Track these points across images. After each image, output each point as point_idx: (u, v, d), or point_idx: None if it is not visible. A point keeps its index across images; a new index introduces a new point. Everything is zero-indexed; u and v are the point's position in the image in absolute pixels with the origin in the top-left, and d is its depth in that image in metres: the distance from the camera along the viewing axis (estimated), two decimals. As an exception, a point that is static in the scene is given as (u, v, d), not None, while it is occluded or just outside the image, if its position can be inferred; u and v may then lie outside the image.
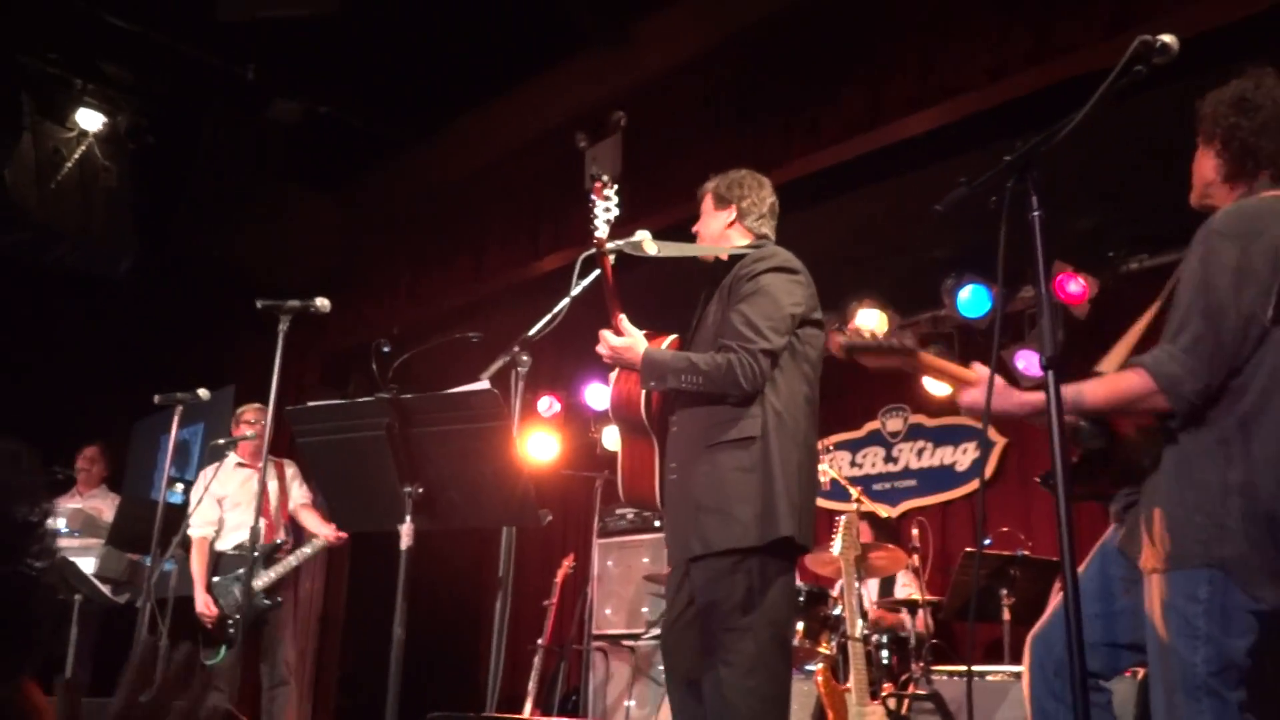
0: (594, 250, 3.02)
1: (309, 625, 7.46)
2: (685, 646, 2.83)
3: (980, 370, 2.22)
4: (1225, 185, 2.27)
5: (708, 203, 3.23)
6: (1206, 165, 2.30)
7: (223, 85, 6.17)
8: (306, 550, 5.21)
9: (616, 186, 3.15)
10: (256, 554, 4.76)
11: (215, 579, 5.28)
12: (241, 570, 5.04)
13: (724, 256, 3.09)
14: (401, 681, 2.47)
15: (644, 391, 2.92)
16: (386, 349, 2.58)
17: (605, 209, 3.10)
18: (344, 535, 5.19)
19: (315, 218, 7.55)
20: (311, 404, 2.51)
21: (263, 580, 5.07)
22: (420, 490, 2.47)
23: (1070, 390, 2.00)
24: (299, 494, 5.53)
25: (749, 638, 2.68)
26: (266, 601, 5.12)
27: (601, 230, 3.02)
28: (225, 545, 5.33)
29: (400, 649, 2.43)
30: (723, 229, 3.17)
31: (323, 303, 3.78)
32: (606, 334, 2.96)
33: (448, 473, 2.48)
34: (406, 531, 2.47)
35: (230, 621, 5.15)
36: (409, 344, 3.81)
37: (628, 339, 2.93)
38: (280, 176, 6.88)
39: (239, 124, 6.47)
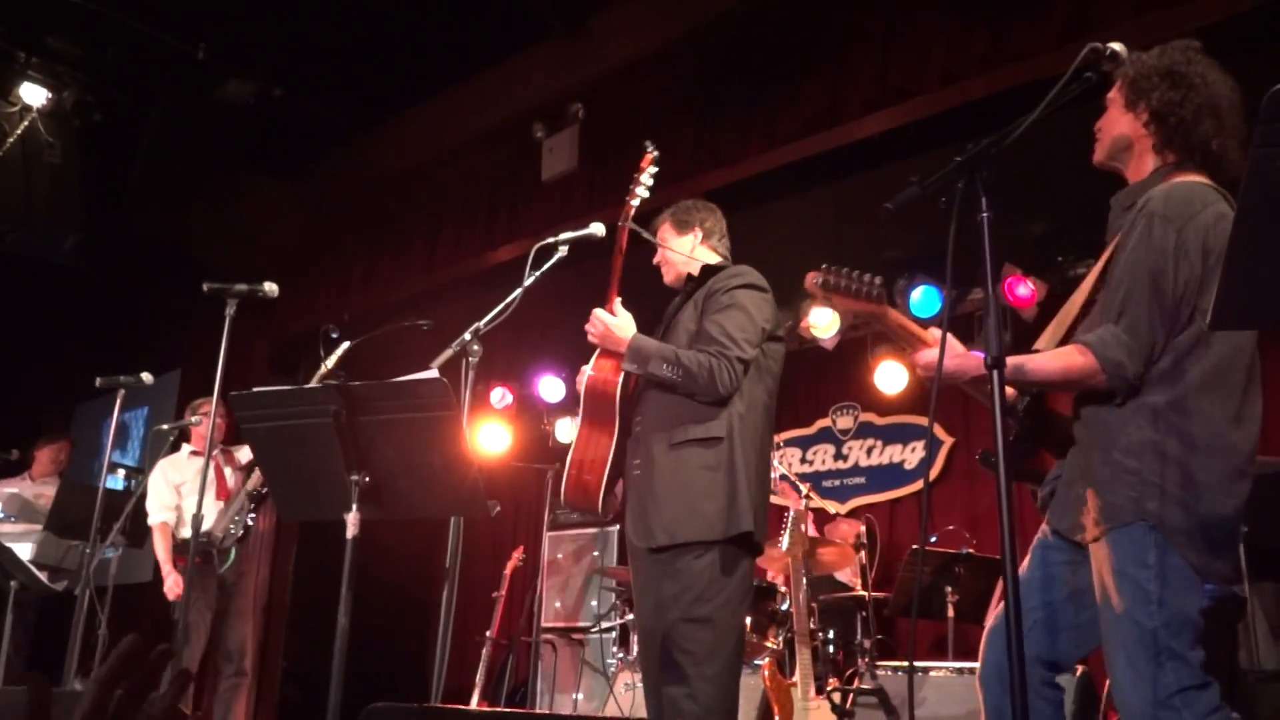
0: (620, 222, 3.12)
1: (254, 615, 7.36)
2: (657, 639, 2.88)
3: (935, 334, 2.24)
4: (1144, 155, 2.29)
5: (665, 231, 3.32)
6: (1124, 126, 2.30)
7: (174, 63, 6.05)
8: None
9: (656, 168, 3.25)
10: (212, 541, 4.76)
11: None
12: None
13: (695, 271, 3.20)
14: (346, 672, 2.45)
15: (623, 376, 3.00)
16: (335, 335, 2.55)
17: (646, 183, 3.24)
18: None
19: (267, 202, 7.44)
20: (256, 389, 2.47)
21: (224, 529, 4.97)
22: (367, 479, 2.45)
23: (1014, 361, 2.03)
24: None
25: (708, 628, 2.78)
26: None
27: (635, 202, 3.15)
28: (186, 534, 5.19)
29: (344, 638, 2.40)
30: (692, 249, 3.28)
31: (271, 287, 3.72)
32: (600, 312, 3.01)
33: (395, 461, 2.45)
34: (352, 520, 2.44)
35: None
36: (360, 332, 3.78)
37: (620, 320, 3.00)
38: (232, 159, 6.77)
39: (190, 104, 6.35)
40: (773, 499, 7.46)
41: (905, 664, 4.37)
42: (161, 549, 5.16)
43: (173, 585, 5.07)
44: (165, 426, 5.30)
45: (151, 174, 6.71)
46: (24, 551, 5.46)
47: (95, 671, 1.08)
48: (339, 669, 2.36)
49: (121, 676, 1.08)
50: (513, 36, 5.73)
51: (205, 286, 3.66)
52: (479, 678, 5.96)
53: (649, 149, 3.31)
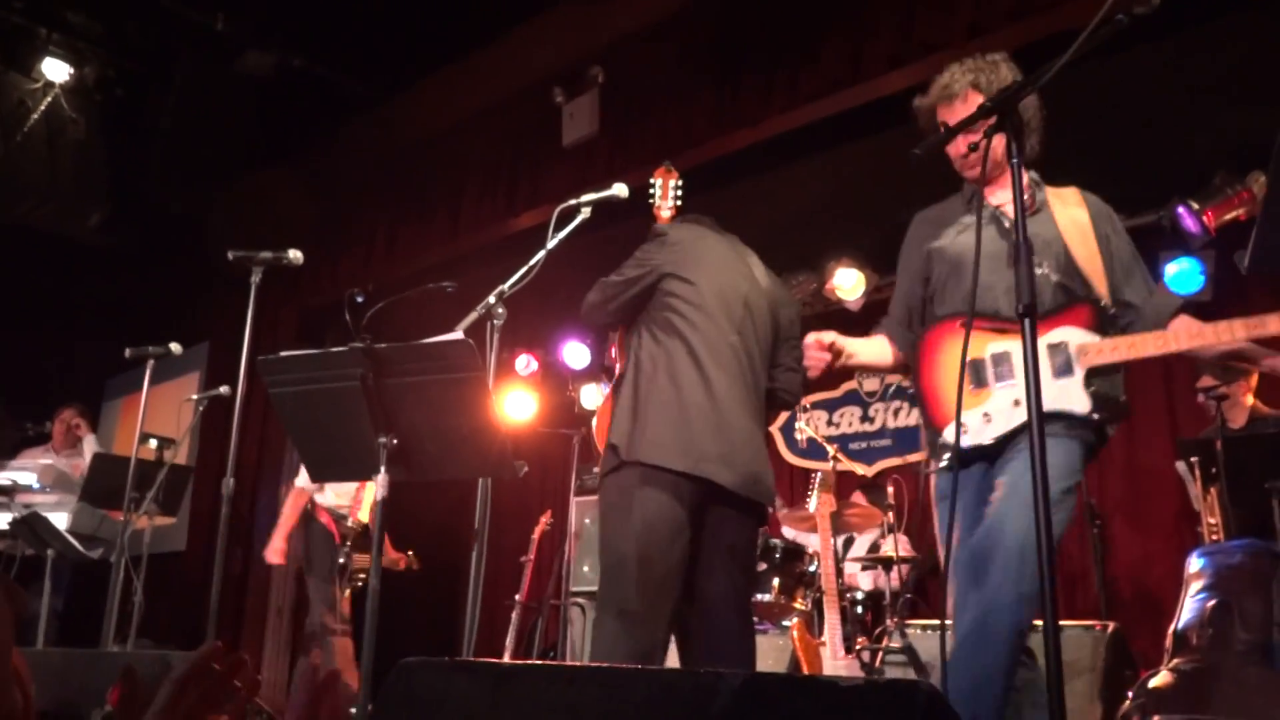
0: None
1: (285, 583, 7.45)
2: None
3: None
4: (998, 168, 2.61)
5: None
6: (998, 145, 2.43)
7: (193, 35, 6.05)
8: None
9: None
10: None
11: None
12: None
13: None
14: (379, 636, 2.47)
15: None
16: (360, 299, 2.55)
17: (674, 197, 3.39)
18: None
19: (290, 173, 7.45)
20: (283, 354, 2.48)
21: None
22: (394, 441, 2.45)
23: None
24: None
25: (609, 550, 2.81)
26: None
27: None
28: (326, 500, 5.48)
29: (375, 599, 2.42)
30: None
31: (295, 255, 3.72)
32: None
33: (422, 424, 2.46)
34: (381, 483, 2.45)
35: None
36: (384, 299, 3.78)
37: None
38: (253, 130, 6.78)
39: (210, 76, 6.35)
40: (799, 461, 7.45)
41: (935, 622, 4.37)
42: (288, 513, 5.45)
43: (272, 553, 5.40)
44: (194, 396, 5.34)
45: (173, 147, 6.72)
46: (60, 521, 5.54)
47: (173, 671, 1.08)
48: (370, 630, 2.38)
49: (198, 679, 1.08)
50: (532, 1, 5.68)
51: (230, 255, 3.67)
52: (509, 640, 6.02)
53: (669, 167, 3.41)
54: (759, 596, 4.94)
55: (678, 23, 5.53)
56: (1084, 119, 4.42)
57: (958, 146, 2.62)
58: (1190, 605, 3.20)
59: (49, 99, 6.46)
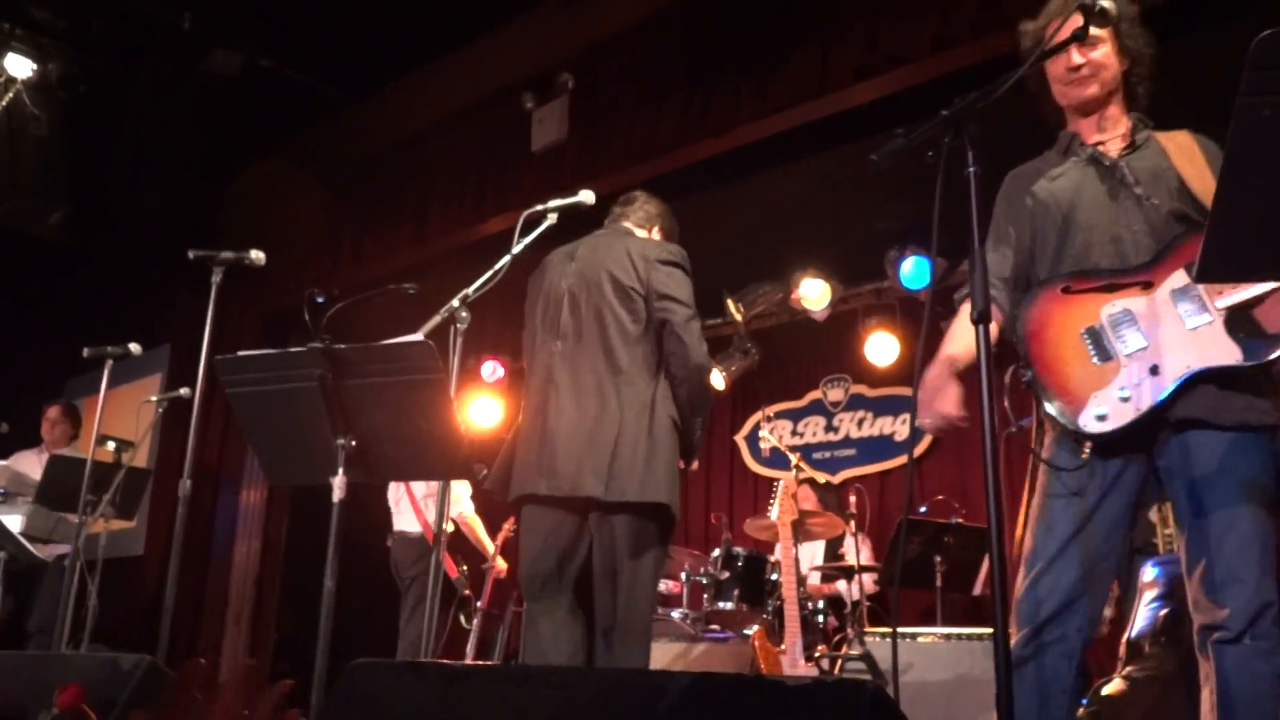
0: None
1: (245, 589, 7.37)
2: None
3: None
4: (1117, 102, 2.39)
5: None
6: (1117, 68, 2.36)
7: (159, 34, 5.99)
8: None
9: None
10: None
11: None
12: None
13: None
14: (337, 640, 2.45)
15: None
16: (320, 300, 2.53)
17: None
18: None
19: (256, 174, 7.39)
20: (241, 354, 2.46)
21: None
22: (353, 443, 2.44)
23: None
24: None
25: None
26: None
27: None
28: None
29: (330, 601, 2.40)
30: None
31: (257, 255, 3.69)
32: None
33: (382, 425, 2.44)
34: (339, 484, 2.44)
35: None
36: (346, 301, 3.75)
37: None
38: (220, 130, 6.72)
39: (176, 75, 6.29)
40: (762, 470, 7.47)
41: (891, 630, 4.40)
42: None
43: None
44: (154, 398, 5.27)
45: (138, 146, 6.65)
46: (14, 523, 5.45)
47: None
48: (325, 632, 2.35)
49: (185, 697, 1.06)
50: (502, 5, 5.67)
51: (190, 254, 3.63)
52: (470, 647, 5.98)
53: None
54: (720, 604, 4.95)
55: (648, 31, 5.56)
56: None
57: (1058, 66, 2.32)
58: (1144, 614, 3.23)
59: (11, 95, 6.37)
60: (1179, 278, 2.13)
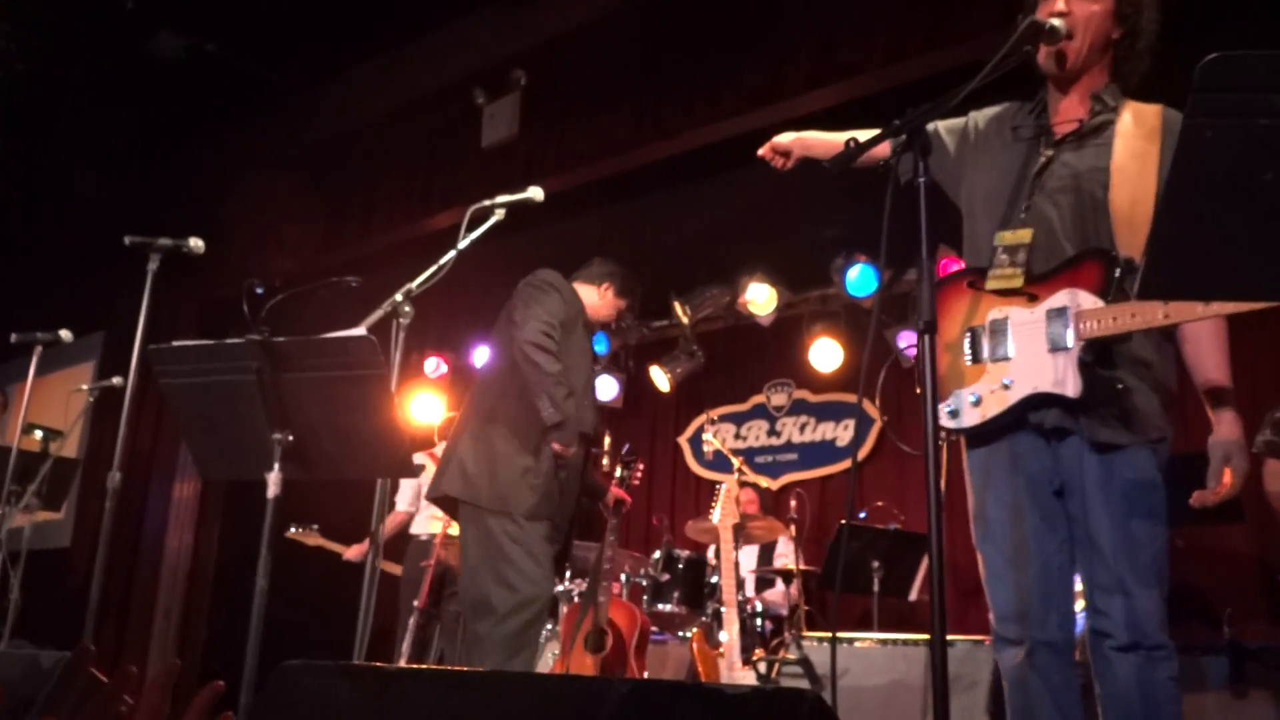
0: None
1: (175, 584, 7.21)
2: None
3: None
4: (1103, 70, 2.28)
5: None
6: (1107, 30, 2.24)
7: (101, 13, 5.83)
8: None
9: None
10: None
11: None
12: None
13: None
14: (270, 640, 2.39)
15: None
16: (260, 290, 2.47)
17: None
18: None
19: (198, 160, 7.24)
20: (175, 344, 2.39)
21: None
22: (290, 438, 2.38)
23: None
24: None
25: None
26: None
27: None
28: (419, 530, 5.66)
29: (263, 600, 2.34)
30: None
31: (196, 243, 3.60)
32: None
33: (319, 421, 2.39)
34: (274, 480, 2.38)
35: None
36: (288, 292, 3.68)
37: None
38: (161, 114, 6.57)
39: (118, 56, 6.14)
40: (705, 473, 7.48)
41: (829, 635, 4.42)
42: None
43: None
44: (85, 387, 5.14)
45: (76, 127, 6.49)
46: (-67, 513, 5.27)
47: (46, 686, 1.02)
48: (256, 631, 2.30)
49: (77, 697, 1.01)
50: (456, 1, 5.62)
51: (127, 240, 3.53)
52: (405, 647, 5.90)
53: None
54: (660, 607, 4.94)
55: (602, 32, 5.54)
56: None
57: (1055, 4, 2.22)
58: (1077, 622, 3.28)
59: (-58, 70, 6.18)
60: (1060, 299, 2.15)
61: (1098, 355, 2.10)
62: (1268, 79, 1.36)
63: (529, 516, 3.40)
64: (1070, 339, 2.11)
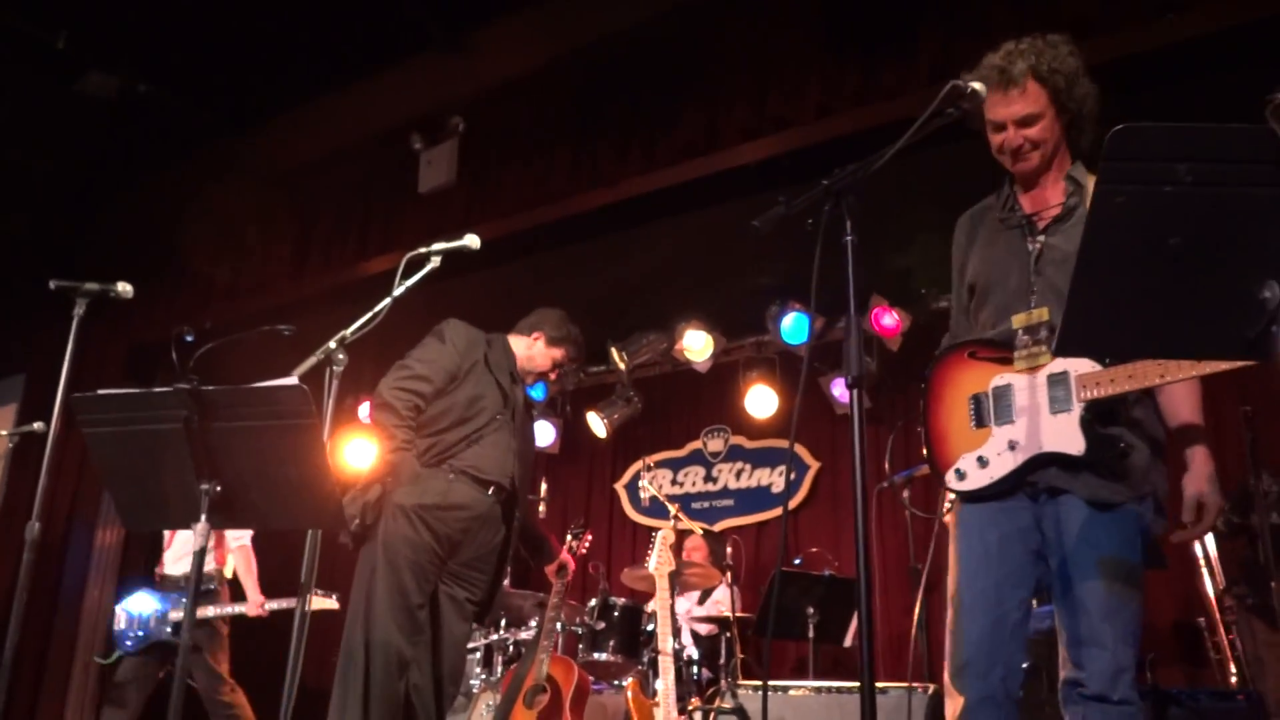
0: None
1: (96, 635, 6.97)
2: None
3: None
4: (1064, 154, 2.41)
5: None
6: (1058, 130, 2.37)
7: (31, 51, 5.74)
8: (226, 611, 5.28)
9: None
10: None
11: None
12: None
13: None
14: (189, 691, 2.34)
15: None
16: (189, 338, 2.43)
17: None
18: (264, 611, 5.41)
19: (128, 202, 7.12)
20: (101, 391, 2.34)
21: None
22: (218, 488, 2.34)
23: None
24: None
25: None
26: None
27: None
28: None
29: (186, 656, 2.29)
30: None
31: (125, 288, 3.53)
32: None
33: (249, 471, 2.35)
34: (200, 531, 2.34)
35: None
36: (220, 339, 3.62)
37: None
38: (91, 155, 6.46)
39: (47, 94, 6.03)
40: (641, 519, 7.48)
41: (762, 683, 4.43)
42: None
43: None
44: (4, 432, 4.99)
45: (2, 166, 6.35)
46: None
47: None
48: (179, 686, 2.24)
49: None
50: (394, 46, 5.63)
51: (52, 284, 3.46)
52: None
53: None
54: (596, 655, 4.91)
55: (540, 80, 5.60)
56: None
57: (1008, 136, 2.37)
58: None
59: None
60: (1058, 364, 2.27)
61: (1098, 415, 2.22)
62: (1171, 149, 1.44)
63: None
64: (1073, 401, 2.23)
